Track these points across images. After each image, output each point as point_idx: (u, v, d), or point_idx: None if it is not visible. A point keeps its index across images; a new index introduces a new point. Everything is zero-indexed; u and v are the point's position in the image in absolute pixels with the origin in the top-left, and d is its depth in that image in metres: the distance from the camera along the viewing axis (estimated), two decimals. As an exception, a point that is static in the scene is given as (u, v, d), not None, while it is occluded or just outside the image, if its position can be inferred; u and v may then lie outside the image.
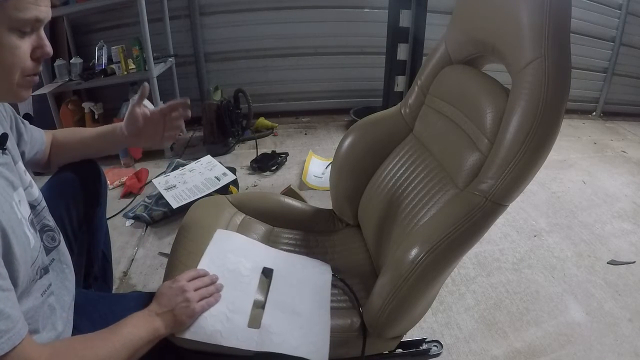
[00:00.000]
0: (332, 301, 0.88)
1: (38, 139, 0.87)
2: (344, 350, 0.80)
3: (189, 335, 0.73)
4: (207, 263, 0.88)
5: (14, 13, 0.52)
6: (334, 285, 0.92)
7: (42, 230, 0.74)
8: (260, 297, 0.84)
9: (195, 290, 0.77)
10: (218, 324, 0.75)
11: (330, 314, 0.83)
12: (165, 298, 0.75)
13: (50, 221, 0.78)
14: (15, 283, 0.58)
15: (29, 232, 0.65)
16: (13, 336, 0.52)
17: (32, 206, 0.72)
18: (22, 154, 0.80)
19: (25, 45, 0.56)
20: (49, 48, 0.60)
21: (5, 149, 0.68)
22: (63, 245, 0.80)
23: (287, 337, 0.75)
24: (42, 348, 0.57)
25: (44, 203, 0.77)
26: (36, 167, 0.91)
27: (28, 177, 0.74)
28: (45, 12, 0.57)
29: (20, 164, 0.73)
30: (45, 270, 0.70)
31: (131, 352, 0.65)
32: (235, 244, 0.96)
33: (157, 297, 0.76)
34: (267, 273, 0.92)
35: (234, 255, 0.92)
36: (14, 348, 0.52)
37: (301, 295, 0.86)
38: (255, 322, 0.78)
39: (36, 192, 0.75)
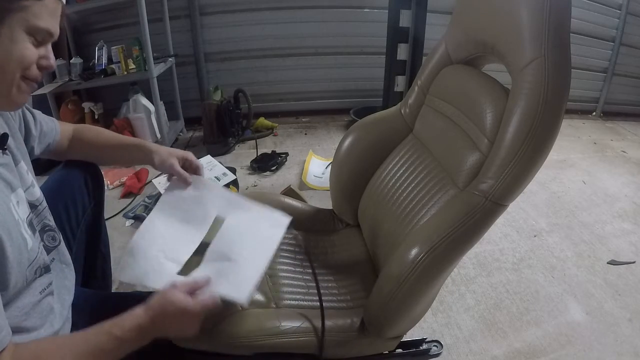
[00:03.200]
0: (329, 301, 0.88)
1: (48, 132, 0.87)
2: (343, 351, 0.80)
3: (121, 278, 0.72)
4: (157, 215, 0.84)
5: (32, 19, 0.57)
6: (330, 287, 0.92)
7: (43, 230, 0.75)
8: (201, 249, 0.82)
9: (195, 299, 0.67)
10: (149, 267, 0.75)
11: (328, 314, 0.82)
12: (165, 320, 0.65)
13: (51, 221, 0.78)
14: (5, 285, 0.59)
15: (26, 234, 0.65)
16: None
17: (34, 206, 0.73)
18: (32, 150, 0.81)
19: (34, 49, 0.60)
20: (53, 61, 0.64)
21: (6, 149, 0.68)
22: (63, 245, 0.80)
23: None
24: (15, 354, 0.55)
25: (45, 203, 0.77)
26: (53, 156, 0.92)
27: (30, 177, 0.74)
28: (56, 28, 0.61)
29: (22, 164, 0.72)
30: (46, 269, 0.70)
31: None
32: (190, 188, 0.89)
33: (156, 315, 0.64)
34: (216, 223, 0.87)
35: (186, 203, 0.87)
36: None
37: (242, 244, 0.82)
38: (186, 271, 0.77)
39: (37, 191, 0.75)
